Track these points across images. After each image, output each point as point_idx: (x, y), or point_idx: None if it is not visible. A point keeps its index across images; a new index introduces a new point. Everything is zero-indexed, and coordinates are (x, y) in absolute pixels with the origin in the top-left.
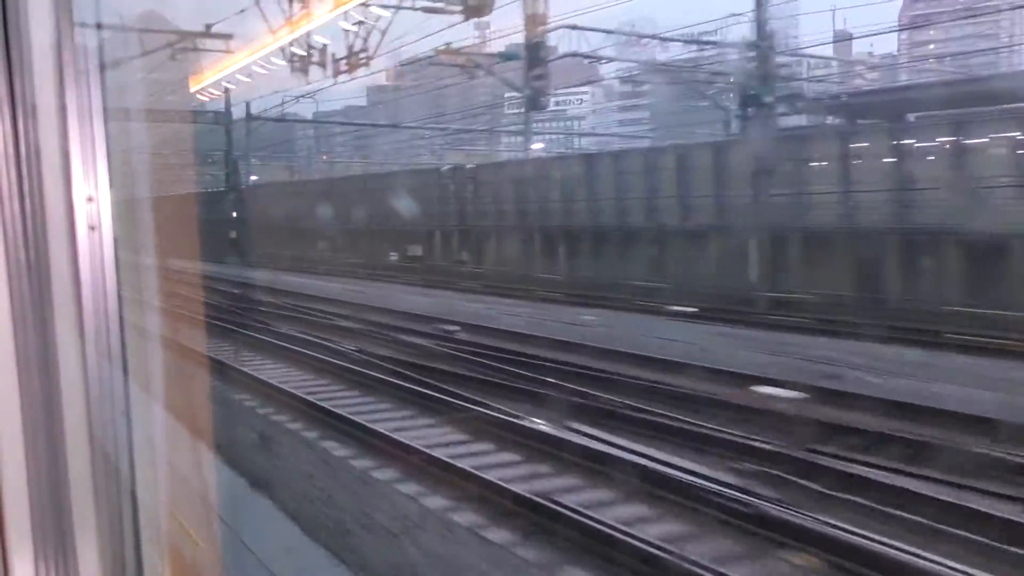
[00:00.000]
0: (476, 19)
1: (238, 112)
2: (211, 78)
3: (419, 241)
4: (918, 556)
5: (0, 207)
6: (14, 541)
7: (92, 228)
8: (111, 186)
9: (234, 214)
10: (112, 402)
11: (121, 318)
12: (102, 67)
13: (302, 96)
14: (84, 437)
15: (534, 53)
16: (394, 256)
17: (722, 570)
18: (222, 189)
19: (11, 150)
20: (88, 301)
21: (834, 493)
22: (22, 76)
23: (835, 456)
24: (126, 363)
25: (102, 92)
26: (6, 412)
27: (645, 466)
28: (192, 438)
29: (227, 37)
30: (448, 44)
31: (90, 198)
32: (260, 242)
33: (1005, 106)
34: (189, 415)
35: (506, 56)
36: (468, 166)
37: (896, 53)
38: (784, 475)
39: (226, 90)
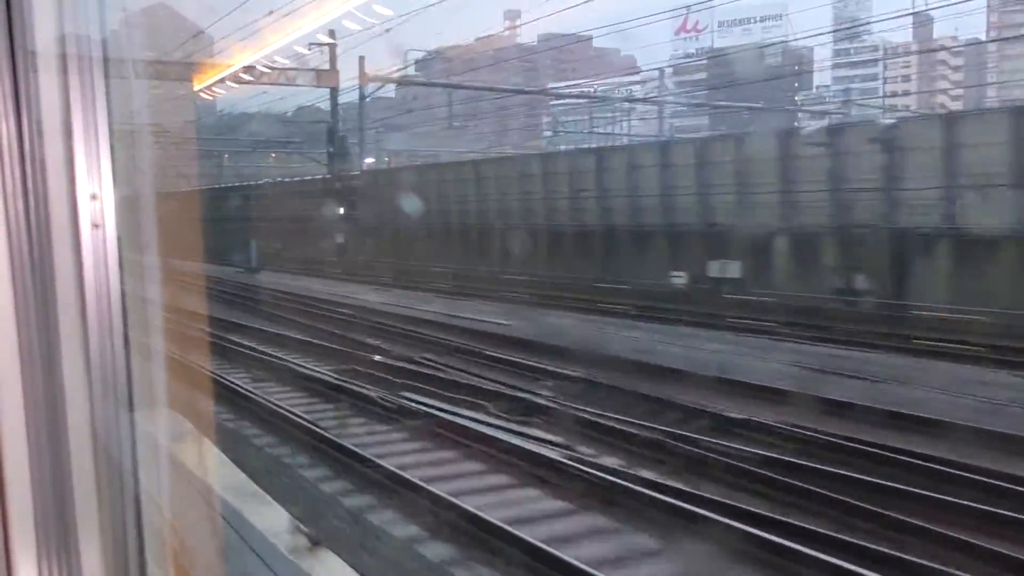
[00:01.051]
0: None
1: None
2: (304, 27)
3: (733, 252)
4: None
5: (3, 205)
6: (17, 540)
7: (96, 226)
8: (115, 184)
9: (342, 210)
10: (115, 401)
11: (124, 316)
12: (107, 63)
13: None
14: (87, 436)
15: None
16: (679, 278)
17: None
18: (324, 176)
19: (15, 147)
20: (91, 300)
21: None
22: (26, 72)
23: None
24: (129, 362)
25: (106, 89)
26: (10, 411)
27: None
28: (196, 437)
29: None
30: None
31: (94, 196)
32: (390, 250)
33: None
34: (193, 414)
35: None
36: (884, 121)
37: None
38: None
39: (331, 34)
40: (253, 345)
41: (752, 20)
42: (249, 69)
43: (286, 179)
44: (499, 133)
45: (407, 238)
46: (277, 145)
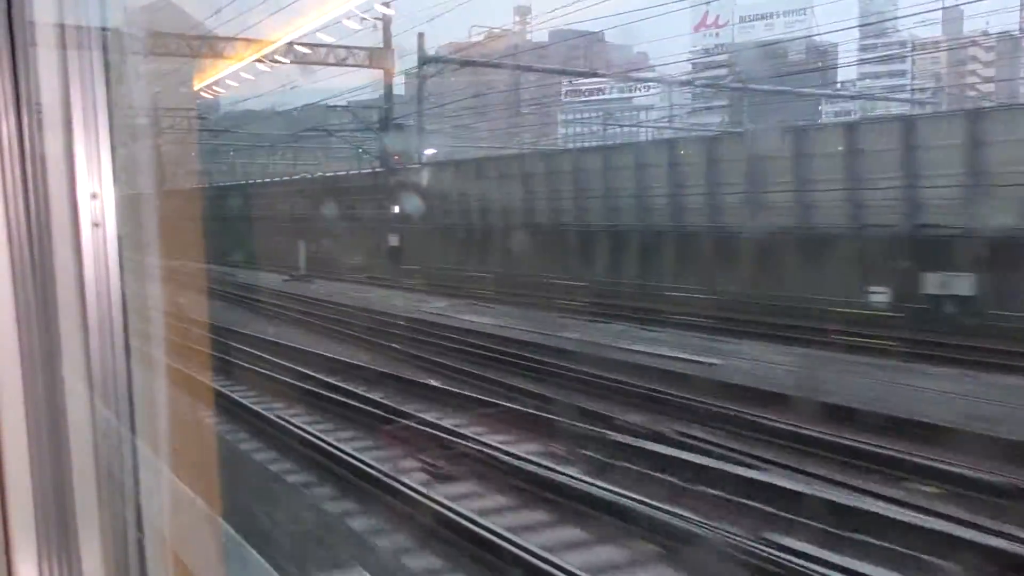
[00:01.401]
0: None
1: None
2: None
3: (956, 262)
4: None
5: (4, 204)
6: (18, 539)
7: (96, 225)
8: (115, 182)
9: (397, 208)
10: (116, 399)
11: (125, 315)
12: (107, 62)
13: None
14: (88, 434)
15: None
16: (880, 294)
17: None
18: (375, 169)
19: (15, 147)
20: (92, 298)
21: None
22: (27, 72)
23: None
24: (130, 360)
25: (107, 88)
26: (10, 409)
27: None
28: (197, 435)
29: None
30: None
31: (94, 195)
32: (467, 254)
33: None
34: (194, 414)
35: None
36: None
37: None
38: None
39: (383, 18)
40: (379, 399)
41: (774, 15)
42: (290, 48)
43: (330, 173)
44: (549, 125)
45: (484, 240)
46: (321, 137)
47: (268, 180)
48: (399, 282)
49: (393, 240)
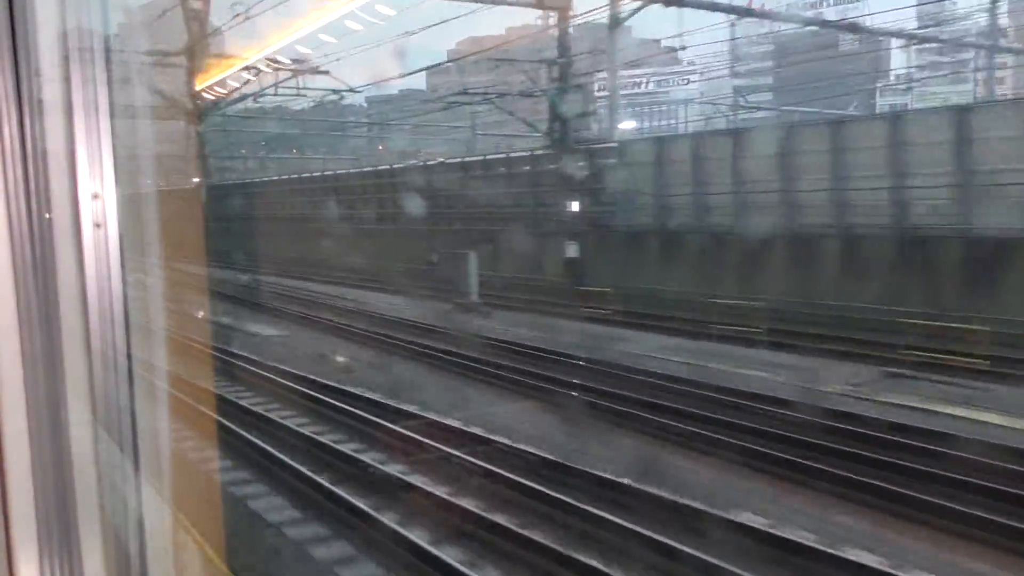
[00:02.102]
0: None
1: None
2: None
3: None
4: None
5: (7, 205)
6: (19, 538)
7: (98, 225)
8: (117, 183)
9: (575, 205)
10: (117, 398)
11: (126, 316)
12: (108, 64)
13: None
14: (89, 434)
15: None
16: None
17: None
18: (534, 153)
19: (17, 147)
20: (93, 298)
21: None
22: (28, 73)
23: None
24: (131, 359)
25: (108, 89)
26: (11, 408)
27: None
28: (197, 435)
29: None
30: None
31: (96, 195)
32: (726, 277)
33: None
34: (194, 415)
35: None
36: None
37: None
38: None
39: None
40: None
41: (825, 3)
42: None
43: (475, 158)
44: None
45: (760, 252)
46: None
47: (389, 167)
48: (633, 316)
49: (571, 250)
